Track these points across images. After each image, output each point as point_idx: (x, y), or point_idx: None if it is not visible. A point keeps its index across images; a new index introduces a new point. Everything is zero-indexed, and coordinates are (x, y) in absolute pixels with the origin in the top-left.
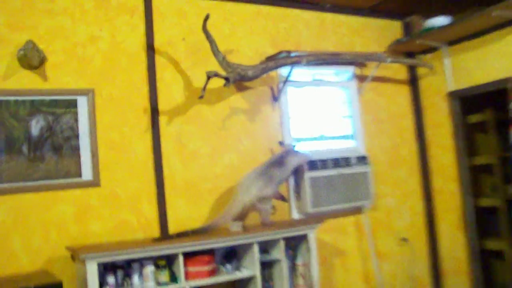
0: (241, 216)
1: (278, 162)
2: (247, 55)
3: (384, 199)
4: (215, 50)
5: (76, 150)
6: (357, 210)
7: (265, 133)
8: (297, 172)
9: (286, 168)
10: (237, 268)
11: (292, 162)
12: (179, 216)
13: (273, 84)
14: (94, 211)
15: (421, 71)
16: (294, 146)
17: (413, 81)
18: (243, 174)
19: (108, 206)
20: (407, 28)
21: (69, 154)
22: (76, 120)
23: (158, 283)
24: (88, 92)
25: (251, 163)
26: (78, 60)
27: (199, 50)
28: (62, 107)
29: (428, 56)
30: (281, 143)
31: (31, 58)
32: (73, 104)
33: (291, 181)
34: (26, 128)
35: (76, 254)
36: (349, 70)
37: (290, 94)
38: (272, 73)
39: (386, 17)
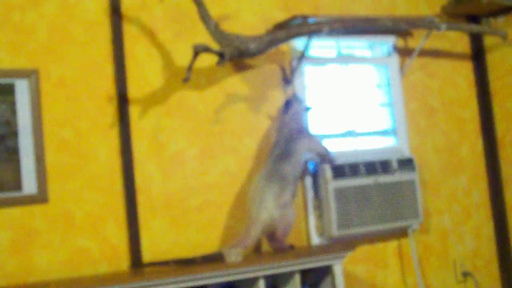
0: (269, 236)
1: (285, 152)
2: (248, 22)
3: (438, 217)
4: (204, 16)
5: (14, 153)
6: (401, 233)
7: (274, 128)
8: (316, 173)
9: (296, 160)
10: None
11: (301, 149)
12: (157, 242)
13: (285, 61)
14: (40, 237)
15: (489, 41)
16: (305, 108)
17: (477, 56)
18: (243, 183)
19: (59, 229)
20: None
21: (4, 158)
22: (13, 112)
23: None
24: (29, 74)
25: (257, 170)
26: (15, 30)
27: (182, 15)
28: None
29: (500, 20)
30: (287, 105)
31: None
32: (8, 91)
33: (310, 191)
34: None
35: None
36: (389, 42)
37: (308, 75)
38: (283, 47)
39: None
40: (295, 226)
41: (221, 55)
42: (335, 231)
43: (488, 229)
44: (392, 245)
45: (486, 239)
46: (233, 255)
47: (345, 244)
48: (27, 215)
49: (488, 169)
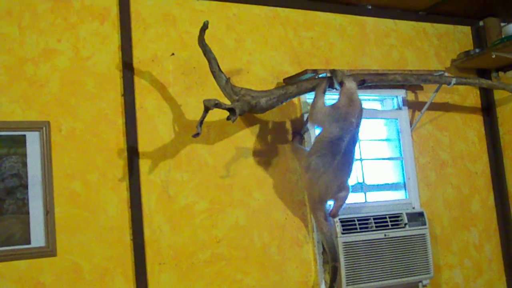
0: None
1: (354, 142)
2: (259, 76)
3: (449, 272)
4: (215, 70)
5: (23, 205)
6: None
7: (284, 183)
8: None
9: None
10: None
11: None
12: None
13: (295, 115)
14: None
15: (499, 95)
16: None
17: (488, 109)
18: (253, 238)
19: (67, 283)
20: (479, 36)
21: (13, 211)
22: (24, 164)
23: None
24: (41, 126)
25: (266, 223)
26: (28, 82)
27: (193, 69)
28: (4, 146)
29: (509, 74)
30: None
31: None
32: (20, 142)
33: (319, 245)
34: None
35: None
36: (399, 96)
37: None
38: (294, 101)
39: (450, 21)
40: (304, 281)
41: (231, 111)
42: (344, 287)
43: (500, 284)
44: None
45: None
46: None
47: None
48: (35, 269)
49: (500, 223)
